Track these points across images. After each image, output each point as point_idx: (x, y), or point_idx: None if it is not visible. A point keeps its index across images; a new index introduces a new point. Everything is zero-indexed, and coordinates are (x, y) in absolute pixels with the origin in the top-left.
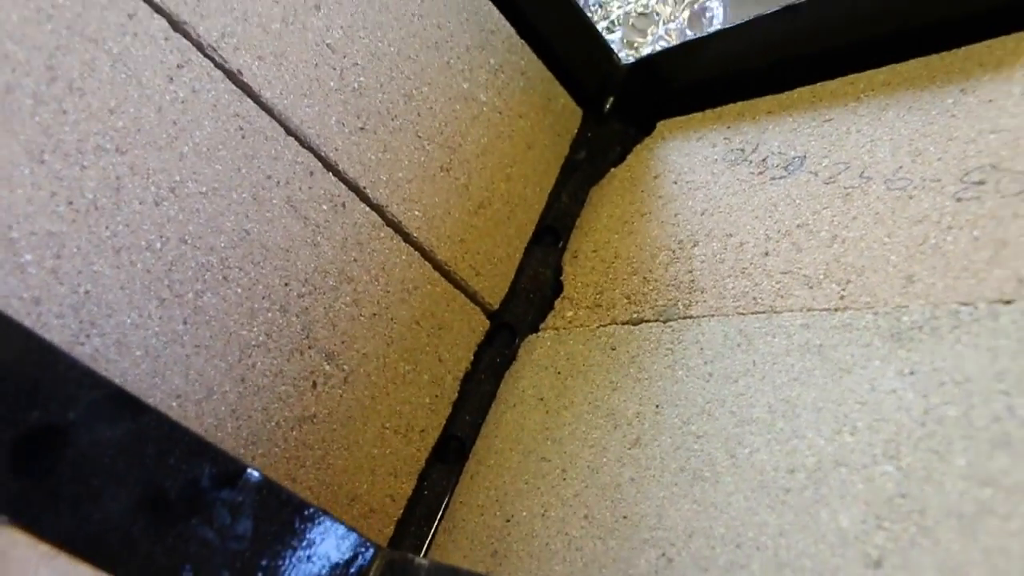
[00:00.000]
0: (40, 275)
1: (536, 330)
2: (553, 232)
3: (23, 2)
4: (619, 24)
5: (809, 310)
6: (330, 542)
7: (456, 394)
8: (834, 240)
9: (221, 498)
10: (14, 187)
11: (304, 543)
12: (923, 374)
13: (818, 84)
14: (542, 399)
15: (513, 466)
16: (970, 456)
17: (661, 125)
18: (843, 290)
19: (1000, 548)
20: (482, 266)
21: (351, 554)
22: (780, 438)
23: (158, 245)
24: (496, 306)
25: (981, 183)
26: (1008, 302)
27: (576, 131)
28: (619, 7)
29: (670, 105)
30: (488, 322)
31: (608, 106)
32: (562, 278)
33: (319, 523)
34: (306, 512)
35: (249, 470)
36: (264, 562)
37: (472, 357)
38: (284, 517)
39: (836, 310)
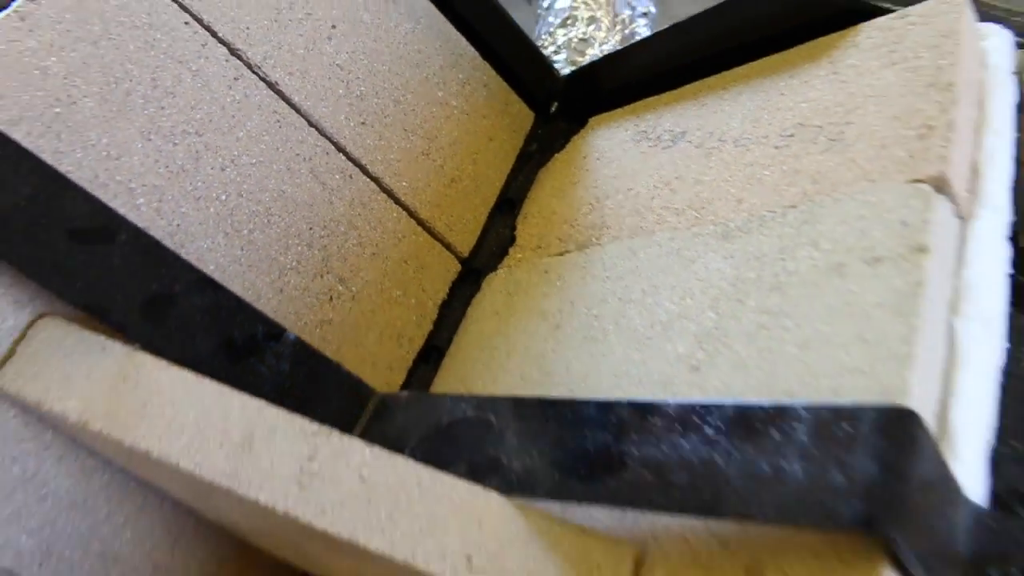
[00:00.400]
0: (148, 213)
1: (495, 270)
2: (510, 203)
3: (138, 36)
4: (563, 48)
5: (675, 228)
6: (342, 382)
7: (436, 315)
8: (696, 183)
9: (270, 347)
10: (132, 156)
11: (323, 380)
12: (738, 257)
13: (701, 80)
14: (496, 312)
15: (473, 358)
16: (757, 299)
17: (592, 120)
18: (697, 214)
19: (767, 348)
20: (455, 225)
21: (356, 391)
22: (647, 308)
23: (224, 197)
24: (466, 255)
25: (791, 135)
26: (793, 206)
27: (529, 129)
28: (564, 35)
29: (598, 104)
30: (460, 266)
31: (553, 109)
32: (515, 233)
33: (335, 369)
34: (325, 362)
35: (288, 332)
36: (298, 391)
37: (448, 290)
38: (311, 364)
39: (692, 226)
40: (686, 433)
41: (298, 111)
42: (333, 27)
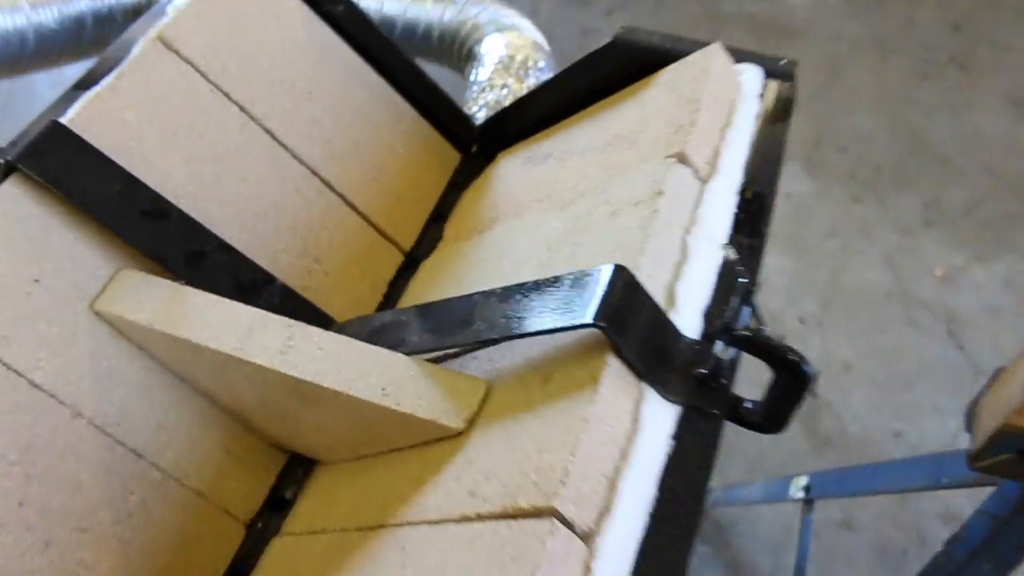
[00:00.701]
0: (189, 206)
1: (428, 258)
2: (442, 215)
3: (186, 105)
4: (484, 107)
5: (536, 210)
6: (314, 313)
7: (385, 289)
8: (553, 181)
9: (266, 288)
10: (179, 174)
11: (300, 312)
12: (566, 217)
13: (569, 118)
14: (427, 280)
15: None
16: (572, 237)
17: (500, 154)
18: (550, 199)
19: (572, 257)
20: (400, 229)
21: (323, 320)
22: (514, 251)
23: (235, 204)
24: (408, 249)
25: (609, 143)
26: (601, 184)
27: (457, 164)
28: (483, 98)
29: (503, 143)
30: (404, 257)
31: (473, 150)
32: (443, 234)
33: (308, 305)
34: (303, 300)
35: (277, 279)
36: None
37: (395, 272)
38: (293, 301)
39: (545, 207)
40: (506, 300)
41: (286, 148)
42: (311, 93)
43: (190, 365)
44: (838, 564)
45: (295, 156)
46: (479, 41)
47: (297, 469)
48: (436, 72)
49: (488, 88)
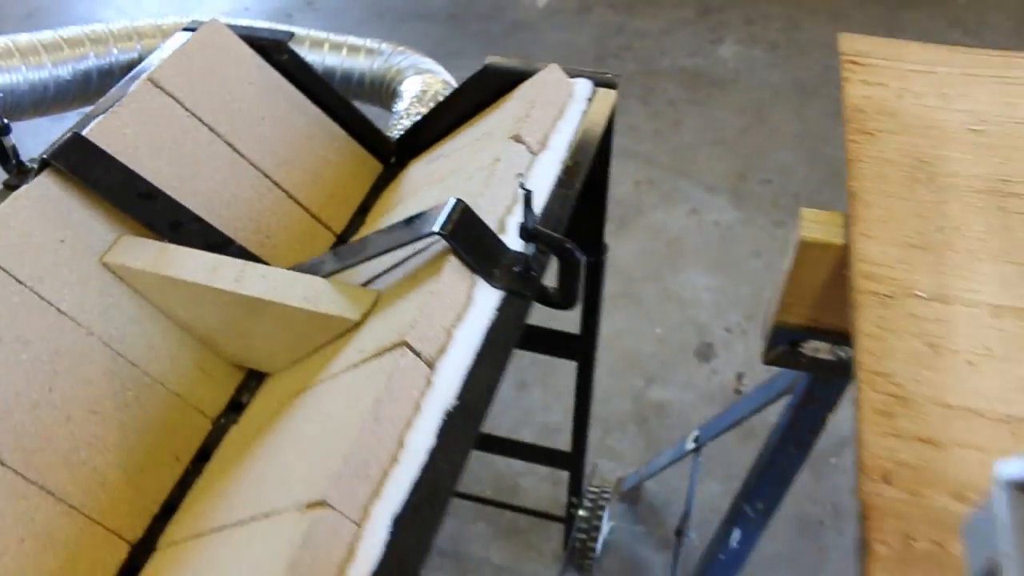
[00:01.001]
0: (173, 190)
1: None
2: (365, 210)
3: (166, 128)
4: (402, 130)
5: (429, 185)
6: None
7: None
8: (439, 170)
9: (227, 249)
10: (166, 168)
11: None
12: (447, 186)
13: (458, 128)
14: None
15: None
16: (451, 185)
17: (411, 162)
18: (439, 179)
19: (448, 192)
20: (333, 217)
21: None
22: (409, 213)
23: (204, 196)
24: (339, 232)
25: (479, 139)
26: (472, 161)
27: (379, 173)
28: (402, 122)
29: (414, 152)
30: (336, 238)
31: (392, 161)
32: (366, 221)
33: (260, 261)
34: (256, 258)
35: (235, 241)
36: None
37: (329, 246)
38: (249, 259)
39: (433, 184)
40: (388, 231)
41: (243, 157)
42: (263, 118)
43: (171, 299)
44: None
45: (250, 163)
46: (400, 82)
47: (252, 382)
48: (366, 108)
49: (405, 116)
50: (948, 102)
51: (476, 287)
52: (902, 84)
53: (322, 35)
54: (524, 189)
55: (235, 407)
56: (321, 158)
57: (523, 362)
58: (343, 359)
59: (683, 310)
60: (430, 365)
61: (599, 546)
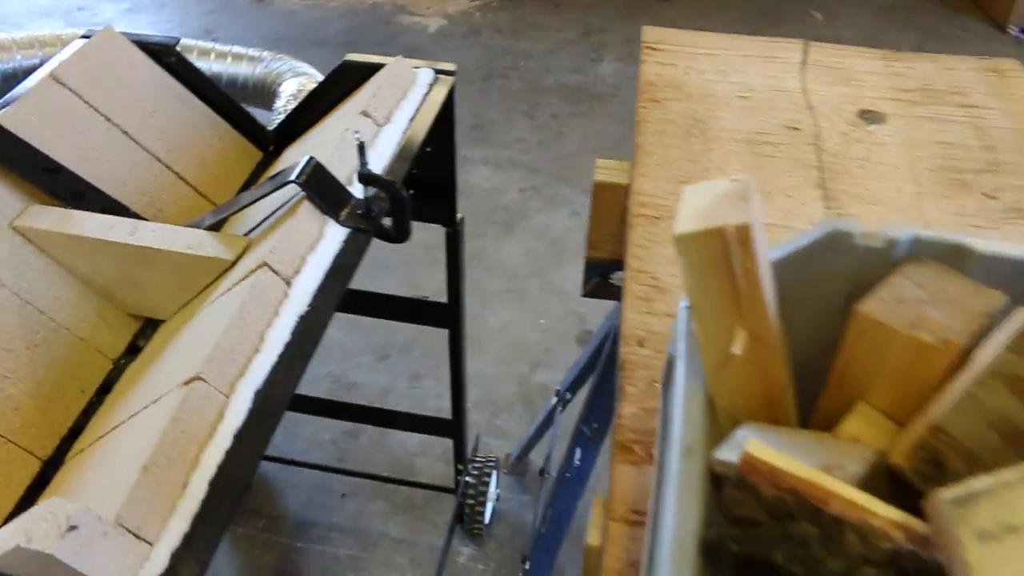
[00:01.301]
0: (77, 165)
1: None
2: (247, 185)
3: (100, 127)
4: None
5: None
6: None
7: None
8: (317, 140)
9: (125, 214)
10: (77, 152)
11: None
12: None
13: (326, 116)
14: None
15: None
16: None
17: (286, 148)
18: (306, 146)
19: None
20: (218, 195)
21: None
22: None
23: (109, 172)
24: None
25: (339, 120)
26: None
27: (259, 160)
28: (279, 118)
29: (290, 139)
30: None
31: (271, 149)
32: None
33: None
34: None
35: (131, 209)
36: None
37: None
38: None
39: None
40: (259, 187)
41: (137, 143)
42: (154, 111)
43: (74, 255)
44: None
45: (143, 148)
46: (279, 84)
47: (147, 328)
48: (250, 109)
49: (283, 112)
50: (725, 76)
51: (327, 225)
52: (690, 64)
53: (208, 45)
54: (358, 141)
55: (133, 350)
56: (207, 146)
57: (415, 355)
58: (219, 290)
59: (565, 302)
60: (287, 282)
61: (488, 514)
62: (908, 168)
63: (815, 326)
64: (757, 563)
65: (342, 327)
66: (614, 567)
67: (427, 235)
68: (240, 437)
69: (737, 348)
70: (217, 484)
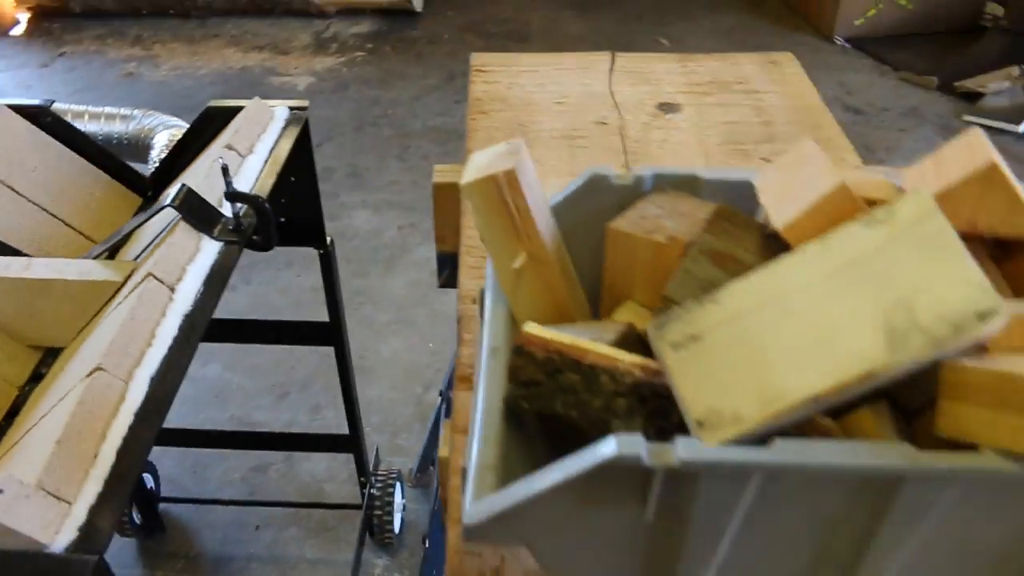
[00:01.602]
0: None
1: None
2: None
3: None
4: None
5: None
6: None
7: None
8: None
9: (20, 256)
10: (0, 199)
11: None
12: None
13: (195, 159)
14: None
15: None
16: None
17: (163, 191)
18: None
19: None
20: (101, 238)
21: None
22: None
23: (2, 213)
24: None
25: (209, 156)
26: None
27: (139, 204)
28: (157, 163)
29: (165, 182)
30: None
31: (149, 194)
32: None
33: None
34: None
35: (24, 251)
36: None
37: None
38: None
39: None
40: (145, 218)
41: (23, 196)
42: (35, 168)
43: None
44: None
45: (29, 200)
46: (152, 137)
47: (48, 358)
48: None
49: (158, 161)
50: (543, 88)
51: (202, 240)
52: (512, 80)
53: (81, 108)
54: (222, 164)
55: (36, 378)
56: (88, 195)
57: (315, 389)
58: (112, 307)
59: (451, 325)
60: (171, 288)
61: (397, 524)
62: (699, 145)
63: (595, 251)
64: (548, 418)
65: (241, 372)
66: (457, 467)
67: (315, 279)
68: (140, 415)
69: (518, 263)
70: (123, 453)
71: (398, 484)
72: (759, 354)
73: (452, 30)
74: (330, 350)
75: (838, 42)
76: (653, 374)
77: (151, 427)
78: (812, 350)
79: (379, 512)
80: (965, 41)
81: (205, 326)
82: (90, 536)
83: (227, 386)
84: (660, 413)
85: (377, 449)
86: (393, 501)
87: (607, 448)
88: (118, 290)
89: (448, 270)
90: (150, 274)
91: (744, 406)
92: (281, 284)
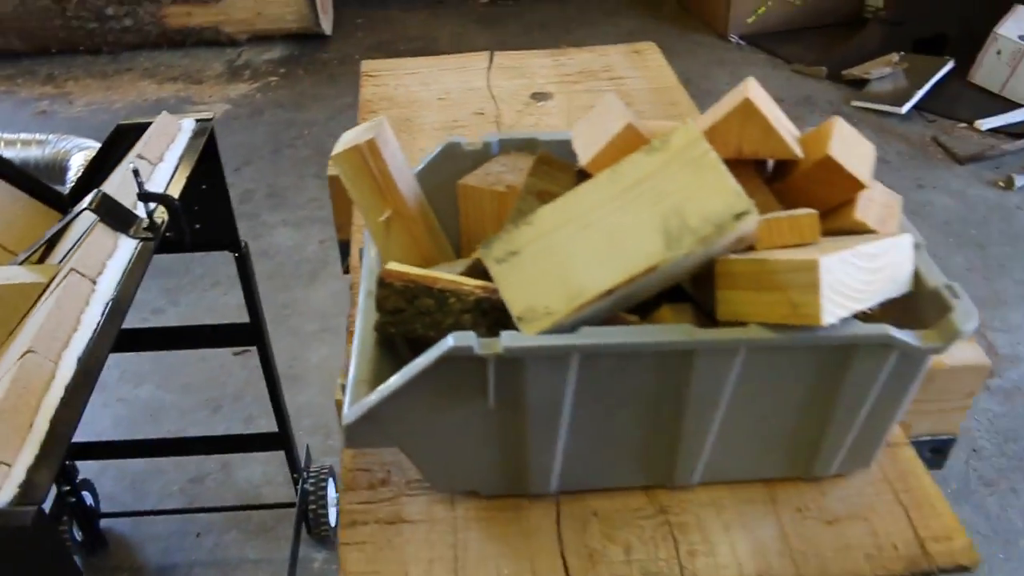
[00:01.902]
0: None
1: None
2: (52, 244)
3: None
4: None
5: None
6: None
7: None
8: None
9: None
10: None
11: None
12: None
13: (111, 173)
14: None
15: None
16: None
17: None
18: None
19: None
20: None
21: None
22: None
23: None
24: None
25: (123, 168)
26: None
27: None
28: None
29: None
30: None
31: (69, 210)
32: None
33: None
34: None
35: None
36: None
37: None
38: None
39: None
40: (61, 222)
41: None
42: None
43: None
44: None
45: None
46: (68, 159)
47: None
48: None
49: (75, 181)
50: (427, 87)
51: (120, 239)
52: (399, 82)
53: None
54: (133, 169)
55: None
56: (10, 213)
57: (246, 400)
58: (38, 304)
59: None
60: (93, 280)
61: (332, 517)
62: (567, 127)
63: (456, 207)
64: (414, 341)
65: (173, 390)
66: None
67: (240, 297)
68: (70, 389)
69: (383, 217)
70: (56, 422)
71: (331, 479)
72: (564, 261)
73: (362, 50)
74: (258, 364)
75: (733, 40)
76: (491, 291)
77: (80, 399)
78: (606, 254)
79: (314, 506)
80: (849, 33)
81: (126, 312)
82: (28, 492)
83: (161, 404)
84: (499, 324)
85: (308, 446)
86: (327, 495)
87: (447, 343)
88: (44, 291)
89: (349, 258)
90: (72, 269)
91: (554, 302)
92: (207, 303)
